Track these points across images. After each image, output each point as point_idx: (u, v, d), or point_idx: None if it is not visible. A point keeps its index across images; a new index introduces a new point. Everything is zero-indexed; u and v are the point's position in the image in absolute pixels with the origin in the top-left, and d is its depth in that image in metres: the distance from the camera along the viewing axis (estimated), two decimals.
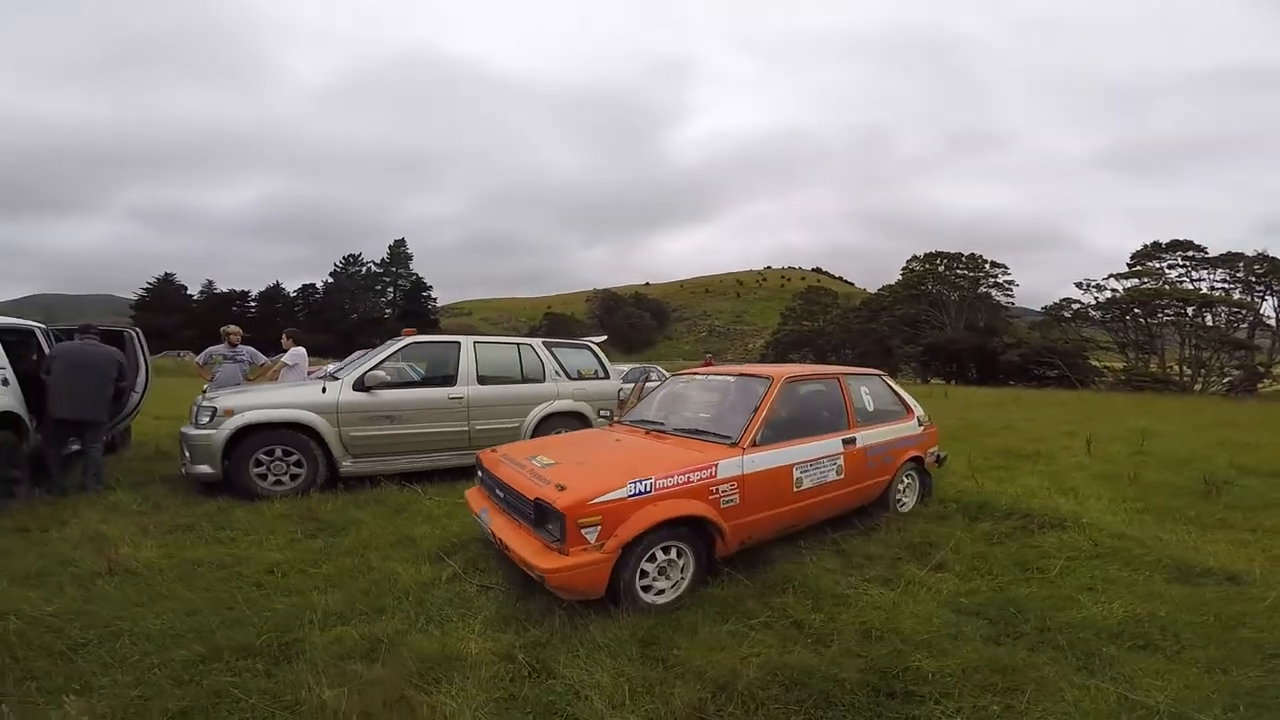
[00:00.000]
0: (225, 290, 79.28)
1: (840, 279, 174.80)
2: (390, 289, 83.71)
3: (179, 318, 68.72)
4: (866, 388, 5.25)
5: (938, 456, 5.68)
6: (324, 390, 6.28)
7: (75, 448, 6.19)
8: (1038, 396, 24.99)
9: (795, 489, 4.10)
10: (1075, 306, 44.21)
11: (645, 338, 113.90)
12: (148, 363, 7.67)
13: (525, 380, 7.65)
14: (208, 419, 5.80)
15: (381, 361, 6.68)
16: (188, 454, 5.78)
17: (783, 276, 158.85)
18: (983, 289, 56.24)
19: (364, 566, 3.97)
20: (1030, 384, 38.48)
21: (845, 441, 4.57)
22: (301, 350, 8.20)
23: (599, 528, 3.24)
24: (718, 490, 3.67)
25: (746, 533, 3.87)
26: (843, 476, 4.47)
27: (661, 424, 4.63)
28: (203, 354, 7.93)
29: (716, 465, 3.72)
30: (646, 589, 3.44)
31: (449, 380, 6.95)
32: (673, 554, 3.56)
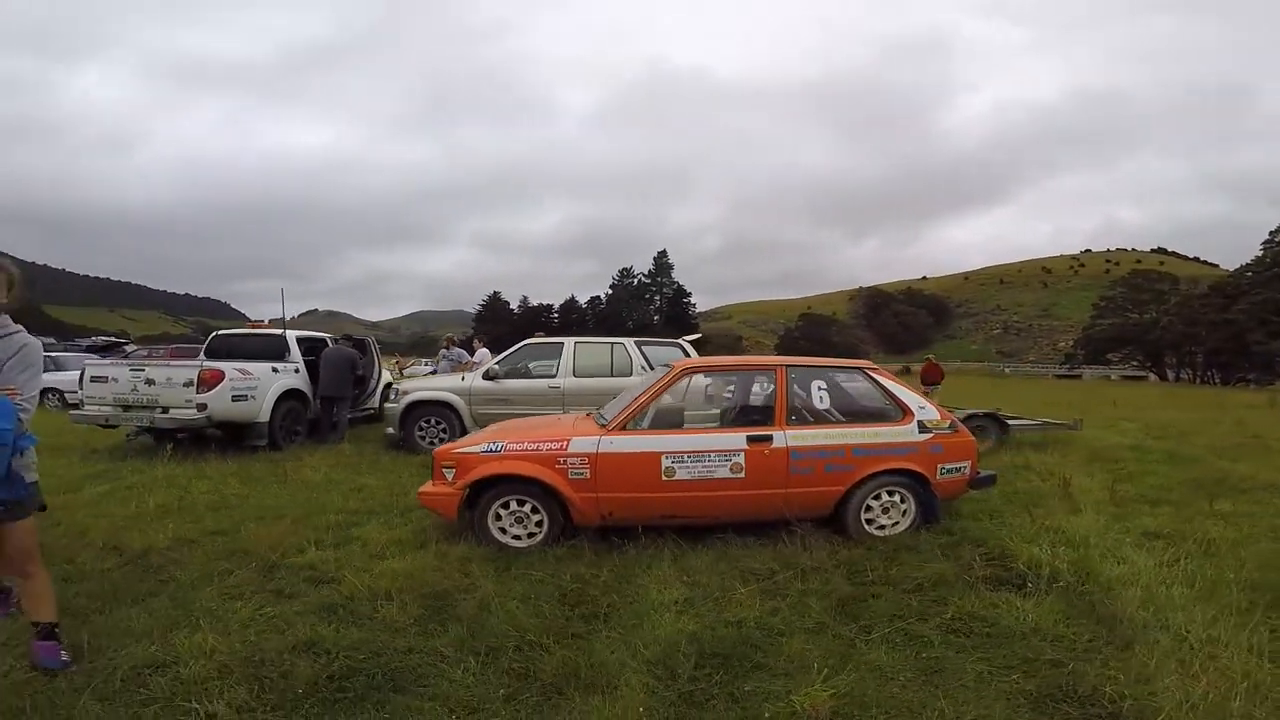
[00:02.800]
0: (535, 304, 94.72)
1: (1196, 259, 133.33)
2: (657, 297, 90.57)
3: (505, 327, 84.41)
4: (823, 382, 4.36)
5: (976, 475, 4.44)
6: (463, 379, 8.35)
7: (349, 416, 9.40)
8: None
9: (665, 478, 3.91)
10: None
11: (919, 337, 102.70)
12: (378, 360, 10.44)
13: (614, 374, 8.31)
14: (394, 398, 8.49)
15: (505, 358, 8.57)
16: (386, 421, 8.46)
17: (1108, 260, 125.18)
18: None
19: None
20: None
21: (753, 439, 3.98)
22: (486, 351, 10.95)
23: (454, 470, 4.02)
24: (565, 462, 3.93)
25: (605, 508, 3.95)
26: (742, 476, 3.94)
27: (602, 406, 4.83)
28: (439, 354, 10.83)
29: (569, 441, 3.99)
30: (504, 531, 4.01)
31: (552, 373, 8.28)
32: (527, 508, 3.99)
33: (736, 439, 4.00)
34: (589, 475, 3.90)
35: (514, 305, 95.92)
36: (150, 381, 7.65)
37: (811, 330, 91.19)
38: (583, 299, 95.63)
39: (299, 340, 9.34)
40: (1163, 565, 3.40)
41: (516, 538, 3.98)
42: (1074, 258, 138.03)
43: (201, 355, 9.11)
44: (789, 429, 4.08)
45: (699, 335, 9.88)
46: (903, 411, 4.33)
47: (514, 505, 3.99)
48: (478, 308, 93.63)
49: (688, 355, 8.61)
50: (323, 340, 9.95)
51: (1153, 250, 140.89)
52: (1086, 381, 47.84)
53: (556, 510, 3.96)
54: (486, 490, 3.98)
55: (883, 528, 4.19)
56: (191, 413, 7.51)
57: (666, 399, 4.30)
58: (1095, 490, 5.47)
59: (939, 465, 4.27)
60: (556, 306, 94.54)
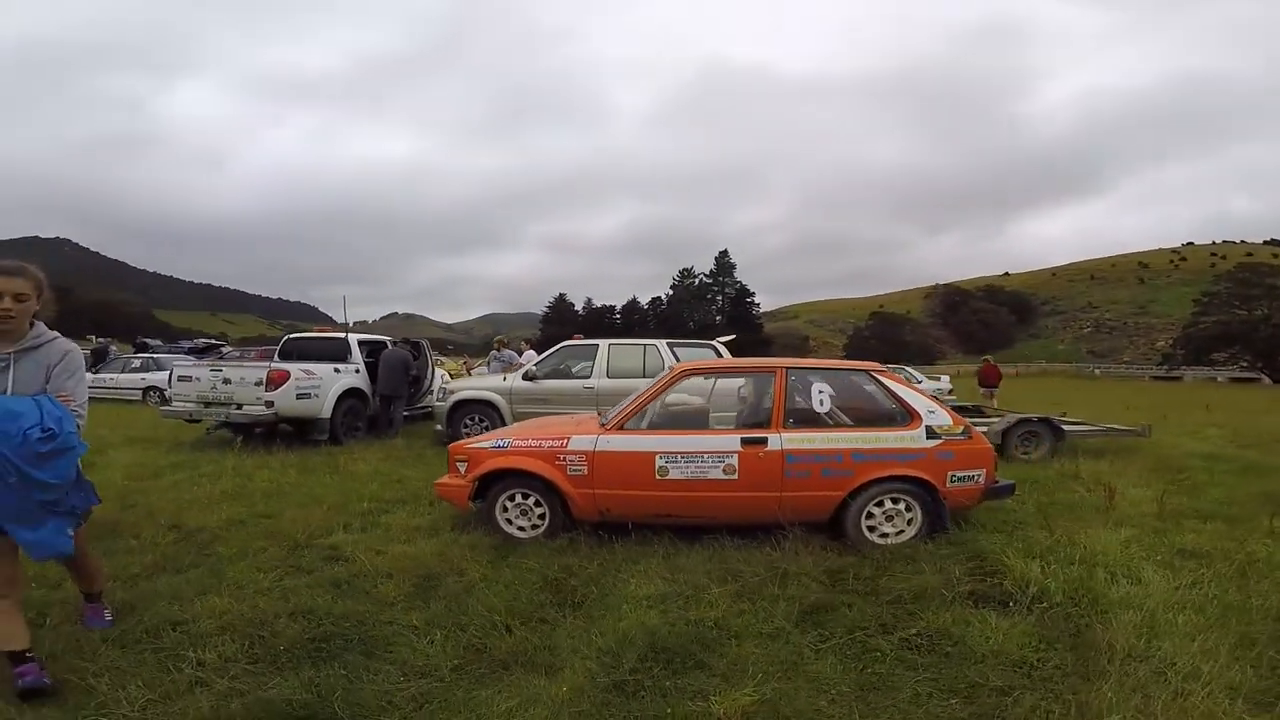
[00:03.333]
0: (599, 305, 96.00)
1: None
2: (719, 297, 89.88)
3: (570, 328, 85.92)
4: (825, 385, 4.26)
5: (993, 484, 4.24)
6: (504, 379, 8.93)
7: (406, 413, 10.14)
8: None
9: (659, 477, 4.00)
10: None
11: (1001, 336, 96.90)
12: (431, 361, 11.29)
13: (646, 374, 8.51)
14: (442, 397, 9.14)
15: (543, 359, 9.25)
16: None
17: (1213, 254, 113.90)
18: None
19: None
20: None
21: (747, 441, 3.98)
22: (532, 353, 11.48)
23: (466, 464, 4.32)
24: (564, 459, 4.12)
25: (602, 504, 4.10)
26: (735, 478, 3.95)
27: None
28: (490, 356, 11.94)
29: (569, 439, 4.18)
30: (509, 522, 4.27)
31: (587, 374, 8.69)
32: (530, 501, 4.22)
33: (730, 441, 4.02)
34: (586, 472, 4.06)
35: (579, 306, 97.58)
36: (227, 381, 8.44)
37: (883, 329, 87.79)
38: (645, 300, 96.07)
39: (360, 343, 10.14)
40: (1182, 588, 3.10)
41: (521, 529, 4.21)
42: (1174, 251, 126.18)
43: (275, 356, 9.91)
44: (785, 432, 4.04)
45: (733, 336, 9.87)
46: (909, 416, 4.16)
47: (519, 498, 4.23)
48: (545, 309, 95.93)
49: (718, 354, 8.66)
50: (382, 343, 10.73)
51: (1265, 242, 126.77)
52: (1188, 384, 43.71)
53: (557, 504, 4.14)
54: (494, 483, 4.24)
55: (885, 536, 4.05)
56: (261, 409, 8.21)
57: (665, 400, 4.38)
58: (1145, 502, 5.04)
59: (949, 473, 4.07)
60: (619, 307, 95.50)
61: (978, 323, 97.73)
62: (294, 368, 8.64)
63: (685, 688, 2.20)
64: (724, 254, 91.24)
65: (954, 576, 3.24)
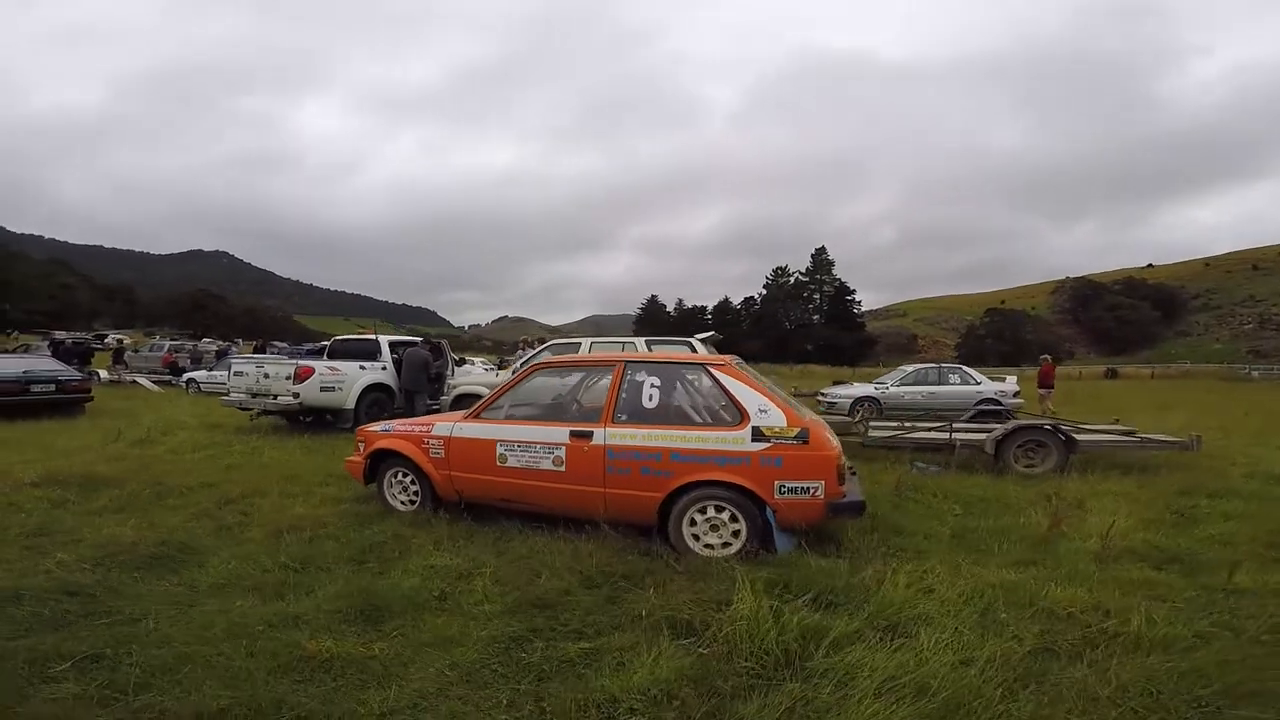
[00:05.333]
0: (691, 306, 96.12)
1: None
2: (816, 295, 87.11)
3: (661, 330, 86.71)
4: (658, 379, 4.21)
5: (838, 499, 3.81)
6: (497, 374, 10.20)
7: (430, 406, 11.01)
8: None
9: (499, 464, 4.44)
10: None
11: (1141, 334, 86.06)
12: (452, 360, 12.42)
13: None
14: (447, 391, 10.59)
15: (530, 357, 9.70)
16: None
17: None
18: None
19: None
20: None
21: (575, 434, 4.22)
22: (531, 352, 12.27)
23: (364, 444, 5.09)
24: (427, 443, 4.74)
25: (457, 485, 4.65)
26: (563, 470, 4.21)
27: None
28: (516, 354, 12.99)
29: (432, 425, 4.82)
30: (394, 497, 4.96)
31: None
32: (408, 480, 4.90)
33: (560, 433, 4.27)
34: (444, 456, 4.66)
35: (670, 308, 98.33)
36: (266, 375, 9.82)
37: (1000, 327, 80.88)
38: (738, 300, 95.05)
39: (392, 344, 11.45)
40: (921, 661, 2.53)
41: (403, 503, 4.91)
42: None
43: (325, 355, 11.29)
44: (612, 427, 4.11)
45: (712, 333, 9.92)
46: (739, 416, 3.92)
47: (400, 476, 4.92)
48: (638, 310, 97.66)
49: (694, 352, 8.76)
50: (413, 343, 11.94)
51: None
52: None
53: (425, 484, 4.76)
54: (382, 462, 4.97)
55: (710, 547, 3.87)
56: (290, 400, 9.53)
57: (521, 391, 4.80)
58: (1108, 535, 4.25)
59: (776, 482, 3.77)
60: (710, 308, 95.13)
61: (1114, 319, 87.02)
62: (319, 364, 9.92)
63: (354, 633, 2.76)
64: (821, 250, 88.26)
65: (679, 600, 3.09)
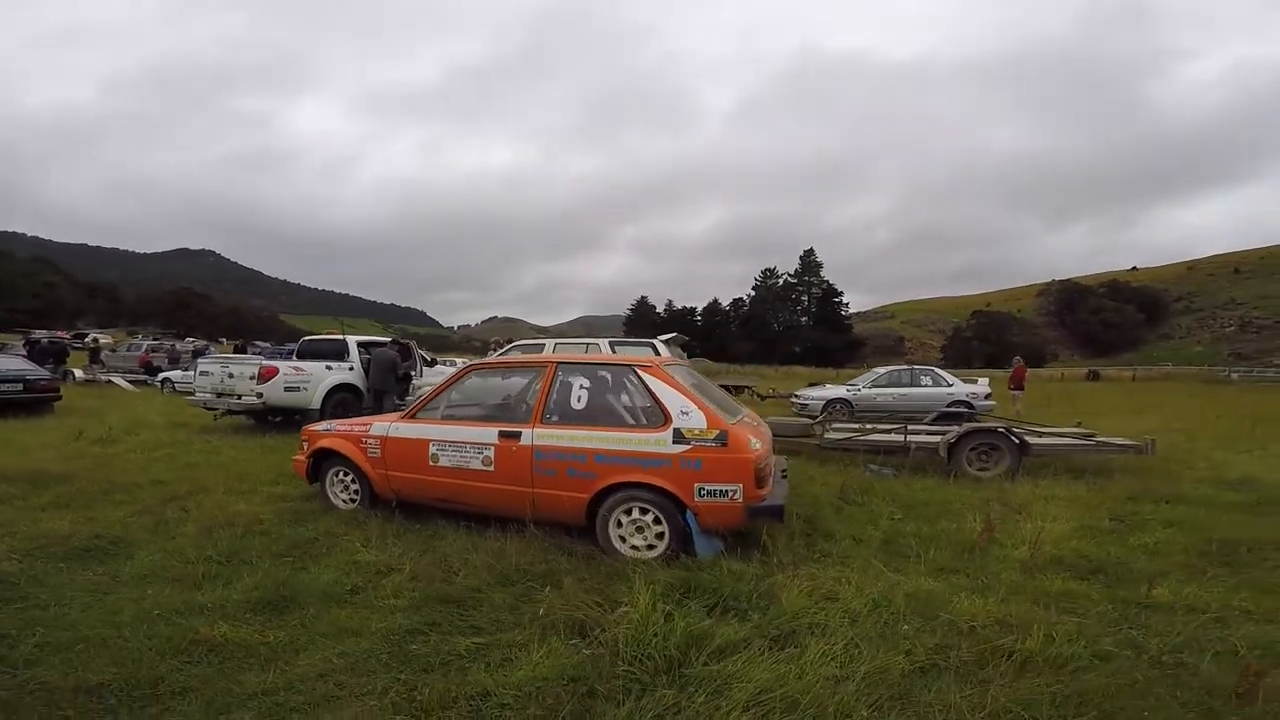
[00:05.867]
0: (680, 307, 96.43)
1: None
2: (804, 297, 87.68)
3: (651, 331, 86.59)
4: (586, 381, 4.31)
5: (757, 503, 3.81)
6: None
7: (402, 405, 11.41)
8: None
9: (432, 463, 4.58)
10: None
11: (1125, 336, 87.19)
12: (421, 360, 12.50)
13: None
14: (414, 392, 10.82)
15: (494, 357, 10.11)
16: None
17: None
18: None
19: None
20: None
21: (503, 435, 4.34)
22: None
23: (307, 443, 5.23)
24: (365, 442, 4.89)
25: (394, 485, 4.80)
26: (492, 469, 4.34)
27: None
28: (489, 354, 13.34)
29: (370, 425, 4.97)
30: (336, 495, 5.12)
31: None
32: (349, 479, 5.05)
33: (489, 433, 4.39)
34: (381, 455, 4.81)
35: (660, 309, 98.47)
36: (231, 375, 9.88)
37: (986, 329, 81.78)
38: (727, 301, 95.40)
39: (360, 344, 11.54)
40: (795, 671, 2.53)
41: (344, 501, 5.07)
42: None
43: (293, 355, 11.33)
44: (540, 427, 4.20)
45: (674, 335, 10.04)
46: (663, 418, 3.96)
47: (341, 475, 5.07)
48: (628, 311, 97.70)
49: (658, 353, 8.92)
50: (382, 344, 11.92)
51: None
52: None
53: (364, 482, 4.91)
54: (324, 461, 5.12)
55: (636, 549, 3.92)
56: (253, 399, 9.59)
57: (456, 393, 4.92)
58: (1043, 543, 4.28)
59: (696, 485, 3.79)
60: (700, 309, 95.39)
61: (1098, 322, 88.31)
62: (283, 365, 10.01)
63: (256, 622, 2.97)
64: (809, 253, 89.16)
65: (579, 600, 3.12)
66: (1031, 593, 3.48)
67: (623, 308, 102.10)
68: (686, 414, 3.92)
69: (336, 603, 3.17)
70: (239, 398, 9.84)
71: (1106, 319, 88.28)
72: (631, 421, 4.19)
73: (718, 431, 3.83)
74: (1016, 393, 15.99)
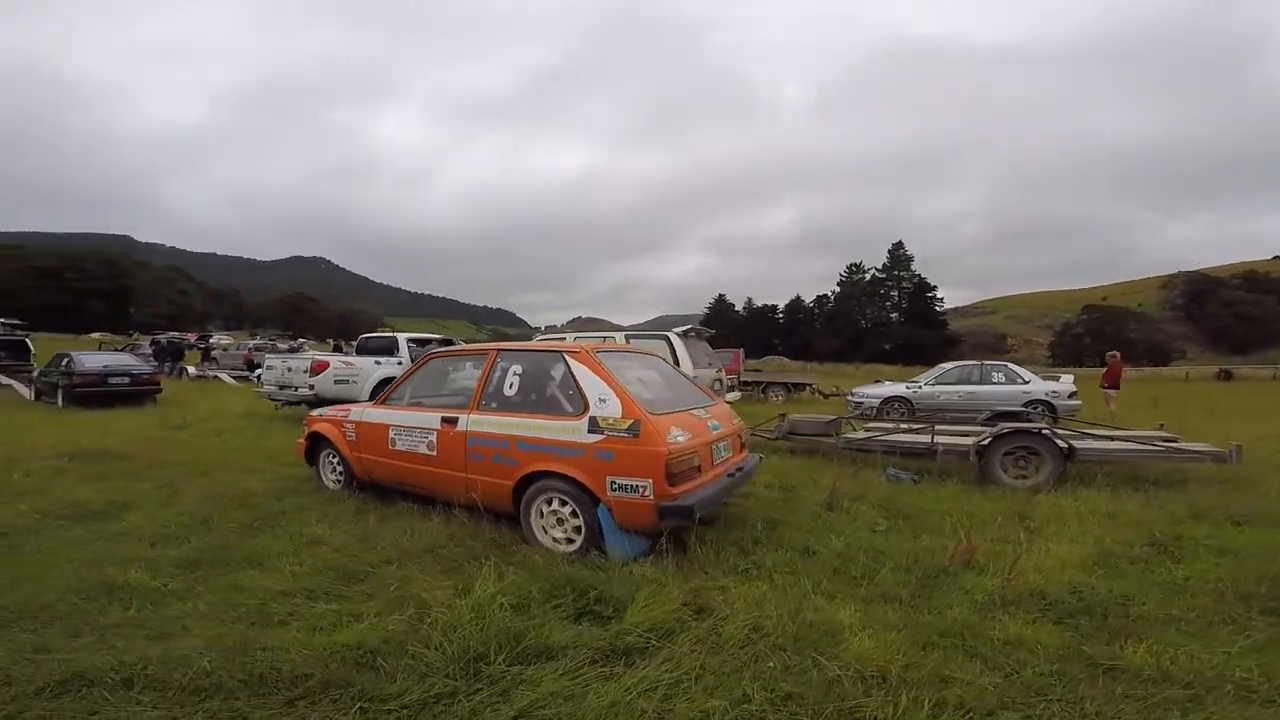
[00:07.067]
0: (760, 305, 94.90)
1: None
2: (894, 292, 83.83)
3: (729, 329, 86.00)
4: (520, 367, 4.37)
5: (668, 501, 3.57)
6: None
7: None
8: None
9: (391, 447, 4.95)
10: None
11: (1264, 332, 76.70)
12: None
13: None
14: None
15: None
16: None
17: None
18: None
19: None
20: None
21: (444, 420, 4.56)
22: None
23: (306, 429, 5.76)
24: (344, 426, 5.36)
25: (367, 467, 5.21)
26: (435, 454, 4.59)
27: None
28: None
29: (350, 410, 5.46)
30: (328, 475, 5.59)
31: None
32: (335, 461, 5.53)
33: (433, 419, 4.63)
34: (355, 438, 5.27)
35: (739, 307, 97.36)
36: (290, 369, 10.80)
37: (1100, 324, 74.66)
38: (810, 298, 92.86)
39: (411, 341, 12.26)
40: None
41: (332, 482, 5.56)
42: None
43: (352, 350, 12.32)
44: (475, 414, 4.33)
45: (689, 328, 9.92)
46: (582, 406, 3.88)
47: (331, 458, 5.58)
48: (705, 310, 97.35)
49: (671, 346, 8.92)
50: (431, 341, 12.67)
51: None
52: None
53: (345, 464, 5.35)
54: (318, 444, 5.65)
55: (557, 542, 3.88)
56: (307, 392, 10.43)
57: (417, 379, 5.21)
58: (1029, 571, 3.64)
59: (607, 478, 3.63)
60: (781, 307, 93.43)
61: (1231, 316, 78.11)
62: (334, 359, 10.90)
63: (171, 574, 3.46)
64: (898, 246, 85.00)
65: (431, 582, 3.22)
66: (969, 637, 2.87)
67: (700, 306, 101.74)
68: (604, 401, 3.80)
69: (250, 565, 3.61)
70: (295, 389, 10.84)
71: (1242, 312, 78.05)
72: (556, 409, 4.10)
73: (631, 421, 3.67)
74: (1110, 391, 14.41)
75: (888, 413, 13.47)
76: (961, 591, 3.45)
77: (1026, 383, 13.25)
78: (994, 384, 13.38)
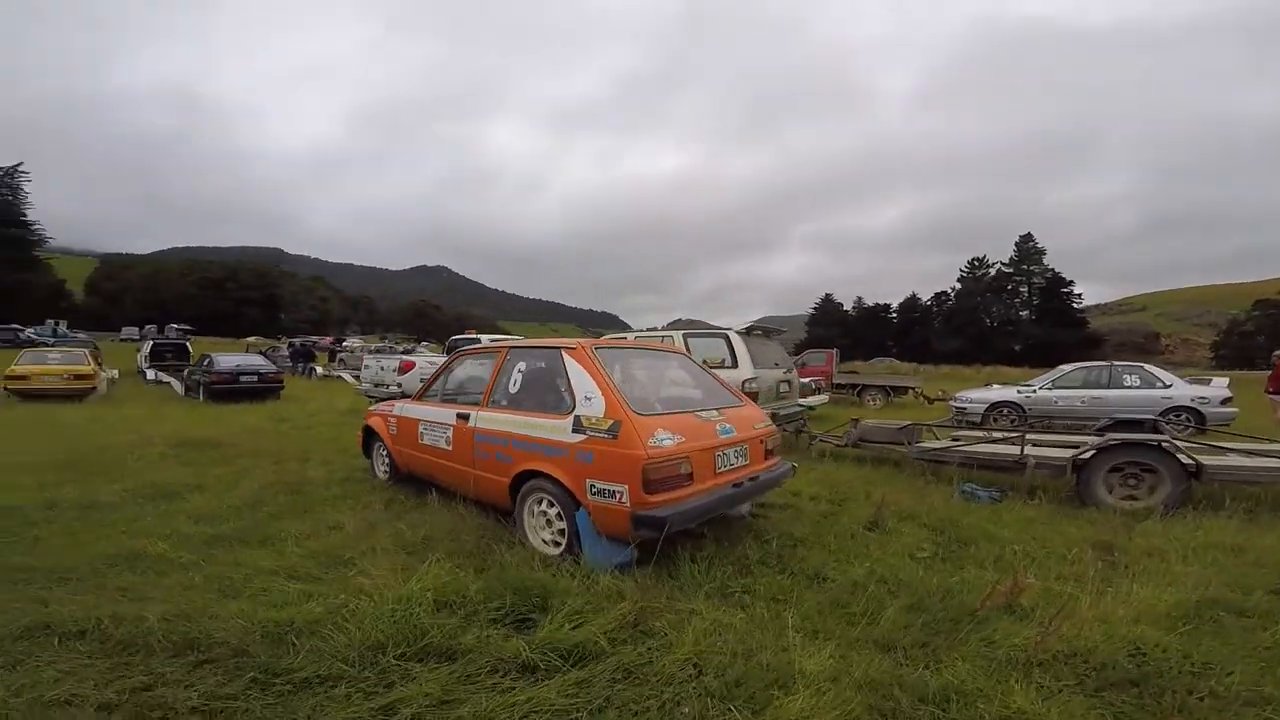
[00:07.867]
0: (871, 304, 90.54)
1: None
2: (1023, 288, 76.64)
3: (836, 329, 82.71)
4: (525, 365, 4.34)
5: (643, 510, 3.31)
6: None
7: None
8: None
9: (420, 441, 5.18)
10: None
11: None
12: None
13: None
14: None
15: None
16: None
17: None
18: None
19: None
20: None
21: (459, 416, 4.68)
22: None
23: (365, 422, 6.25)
24: (389, 421, 5.69)
25: (404, 460, 5.50)
26: (451, 449, 4.71)
27: None
28: None
29: (395, 405, 5.75)
30: (377, 467, 5.98)
31: None
32: (384, 453, 5.85)
33: (450, 414, 4.78)
34: (397, 432, 5.57)
35: (848, 307, 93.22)
36: (383, 368, 11.66)
37: (1275, 321, 64.14)
38: (927, 296, 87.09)
39: (492, 342, 12.73)
40: None
41: (382, 473, 5.92)
42: None
43: (444, 353, 13.13)
44: (485, 410, 4.37)
45: (750, 325, 9.43)
46: (570, 405, 3.74)
47: (381, 449, 5.92)
48: (811, 310, 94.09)
49: (731, 344, 8.61)
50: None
51: None
52: None
53: (391, 457, 5.67)
54: (372, 437, 6.05)
55: (545, 544, 3.76)
56: (396, 389, 11.21)
57: (448, 376, 5.37)
58: (1050, 624, 2.84)
59: (587, 480, 3.45)
60: (895, 306, 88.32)
61: None
62: (420, 359, 11.55)
63: (195, 549, 3.82)
64: (1027, 238, 77.38)
65: (386, 574, 3.23)
66: (954, 707, 2.31)
67: (806, 306, 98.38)
68: (589, 400, 3.62)
69: (262, 545, 3.96)
70: (387, 387, 11.71)
71: None
72: (550, 407, 3.98)
73: (611, 421, 3.46)
74: (1276, 398, 12.19)
75: (994, 420, 12.24)
76: (982, 643, 2.81)
77: (1167, 387, 11.46)
78: (1126, 388, 11.68)
